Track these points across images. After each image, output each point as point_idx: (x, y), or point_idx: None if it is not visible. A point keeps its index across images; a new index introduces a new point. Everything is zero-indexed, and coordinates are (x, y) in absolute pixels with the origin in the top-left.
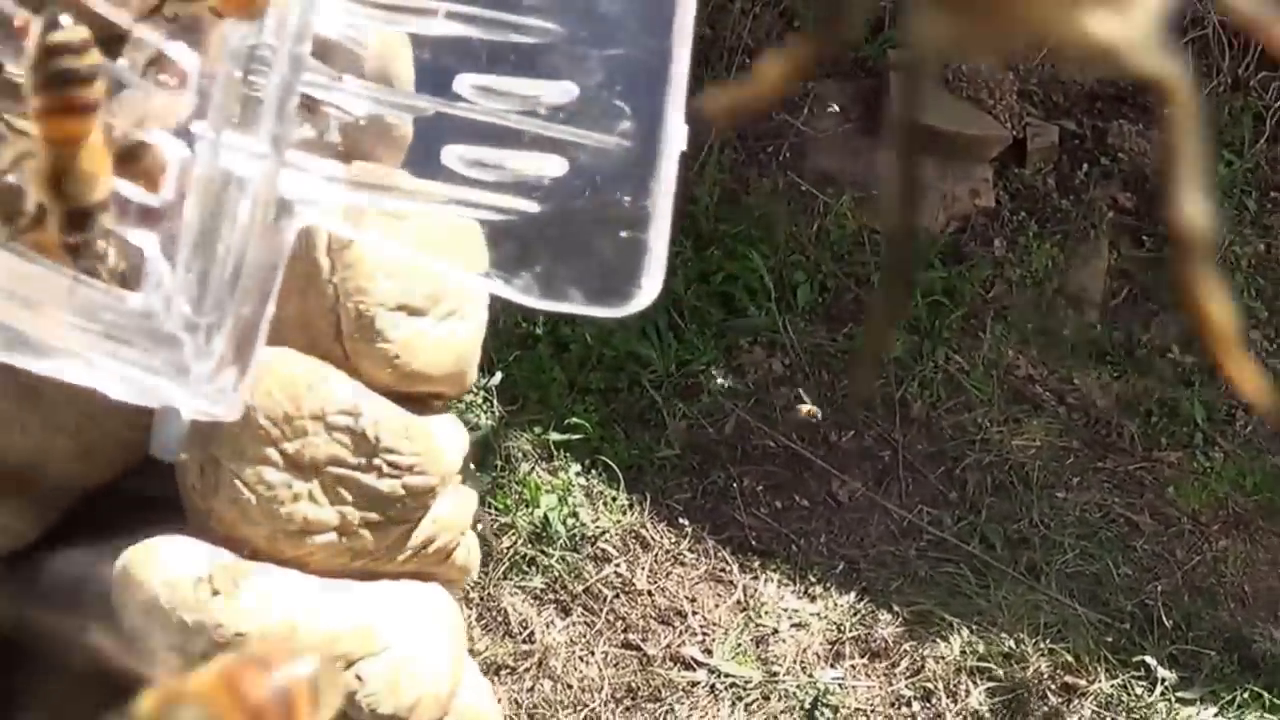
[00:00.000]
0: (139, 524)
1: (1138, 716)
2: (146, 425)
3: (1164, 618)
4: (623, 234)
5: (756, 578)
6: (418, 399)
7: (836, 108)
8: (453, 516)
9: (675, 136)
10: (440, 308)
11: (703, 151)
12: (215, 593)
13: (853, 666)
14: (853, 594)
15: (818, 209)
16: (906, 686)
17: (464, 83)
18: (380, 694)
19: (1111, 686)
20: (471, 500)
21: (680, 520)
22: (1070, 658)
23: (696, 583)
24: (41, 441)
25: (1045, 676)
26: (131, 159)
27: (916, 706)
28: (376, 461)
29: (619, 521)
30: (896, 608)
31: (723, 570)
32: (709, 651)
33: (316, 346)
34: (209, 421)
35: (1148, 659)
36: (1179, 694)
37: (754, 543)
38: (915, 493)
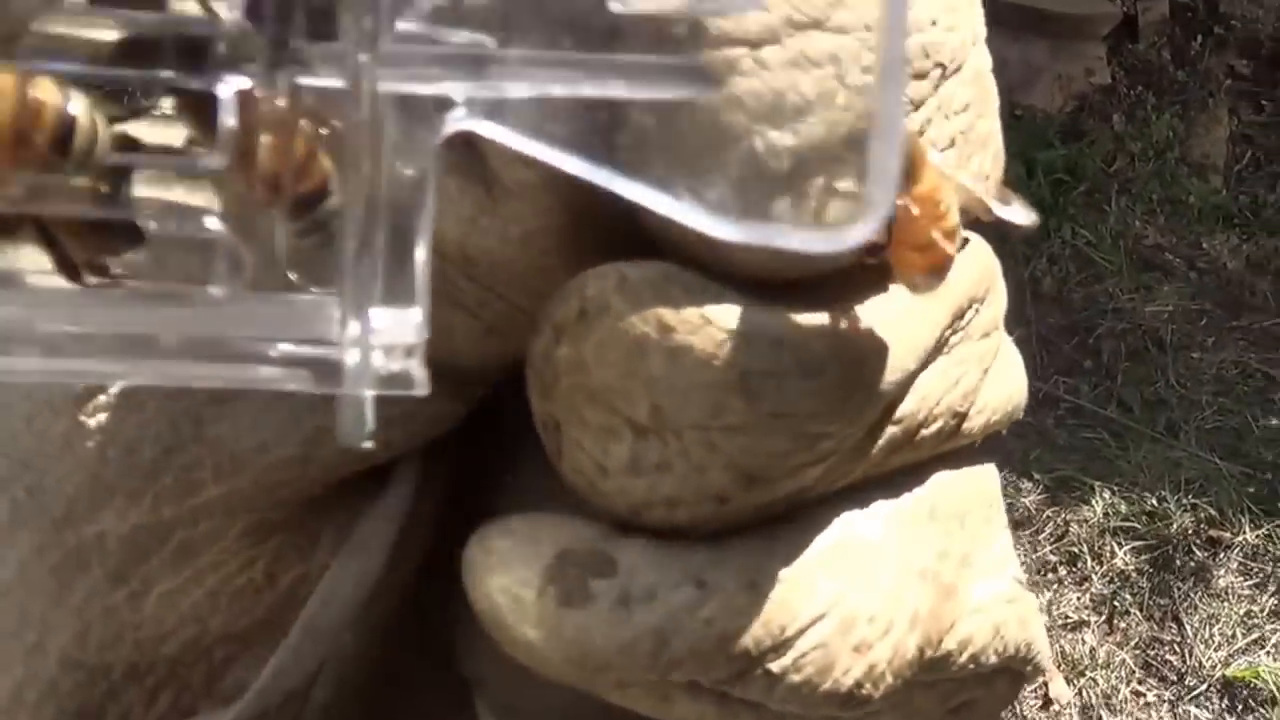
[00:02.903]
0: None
1: None
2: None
3: None
4: None
5: None
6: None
7: None
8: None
9: None
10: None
11: None
12: (563, 604)
13: None
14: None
15: None
16: (1051, 552)
17: None
18: (811, 677)
19: (1256, 537)
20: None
21: None
22: (1214, 512)
23: None
24: (438, 319)
25: (1190, 532)
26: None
27: (1063, 571)
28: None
29: None
30: (1037, 475)
31: None
32: None
33: None
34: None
35: None
36: None
37: None
38: (1050, 364)
